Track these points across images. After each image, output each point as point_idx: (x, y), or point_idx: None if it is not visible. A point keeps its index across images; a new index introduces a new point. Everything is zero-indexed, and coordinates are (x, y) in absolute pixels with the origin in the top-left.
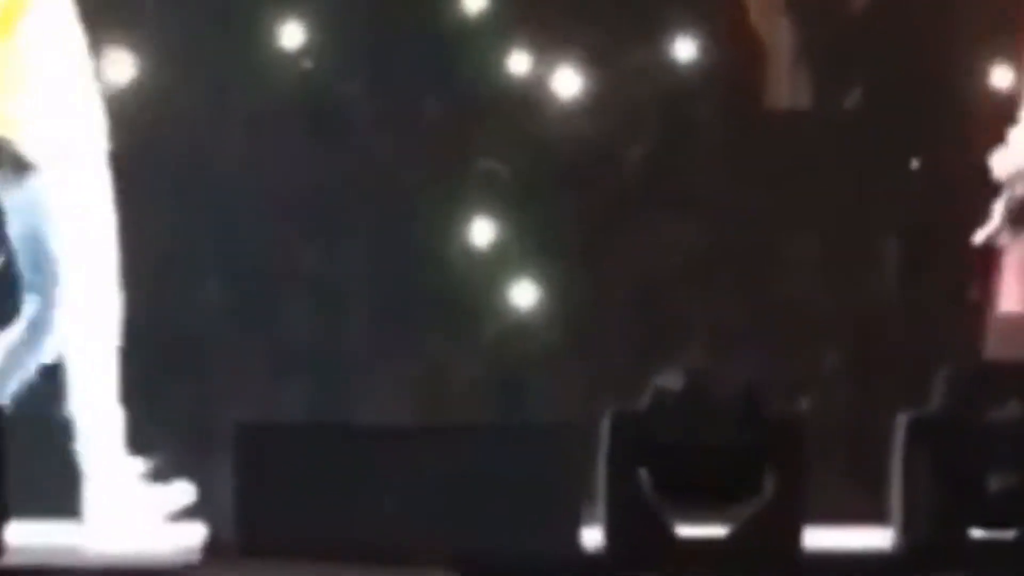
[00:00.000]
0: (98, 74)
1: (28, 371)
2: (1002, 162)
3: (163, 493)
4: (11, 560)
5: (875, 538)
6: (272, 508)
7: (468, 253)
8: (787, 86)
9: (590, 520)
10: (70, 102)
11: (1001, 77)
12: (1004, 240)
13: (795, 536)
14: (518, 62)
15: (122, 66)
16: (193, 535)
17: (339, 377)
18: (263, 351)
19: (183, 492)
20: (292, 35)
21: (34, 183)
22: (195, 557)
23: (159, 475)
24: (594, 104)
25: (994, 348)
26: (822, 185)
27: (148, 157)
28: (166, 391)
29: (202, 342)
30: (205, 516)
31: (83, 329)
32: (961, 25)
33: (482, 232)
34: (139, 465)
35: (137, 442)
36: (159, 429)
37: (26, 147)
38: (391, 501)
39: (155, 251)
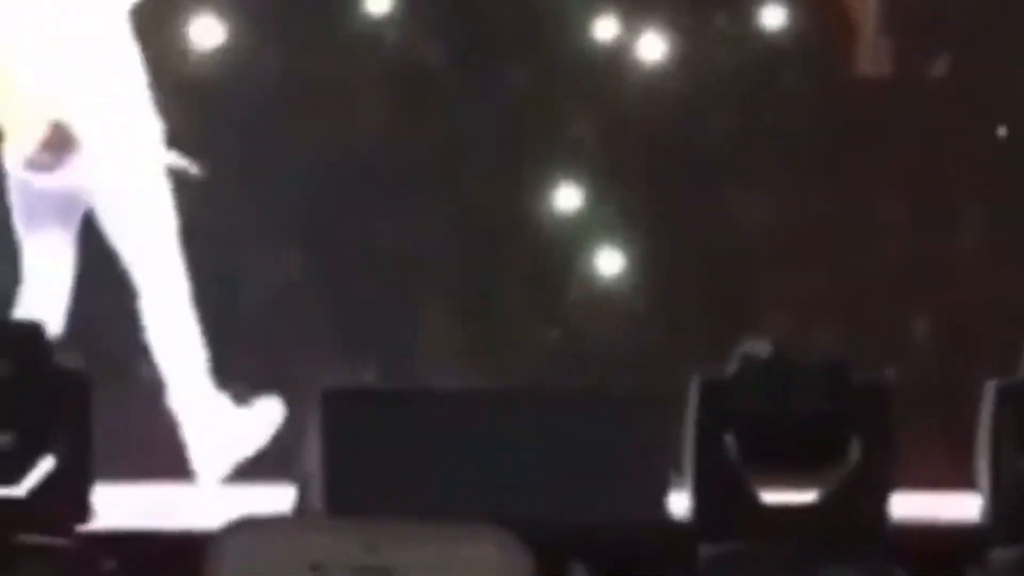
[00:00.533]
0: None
1: None
2: None
3: (254, 414)
4: (102, 523)
5: (964, 506)
6: (357, 472)
7: (553, 220)
8: (874, 53)
9: (677, 487)
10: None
11: None
12: None
13: (882, 503)
14: (604, 28)
15: (210, 33)
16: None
17: (423, 343)
18: (348, 319)
19: (272, 408)
20: (378, 1)
21: (84, 162)
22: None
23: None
24: (679, 71)
25: None
26: (910, 152)
27: (233, 125)
28: (252, 358)
29: (285, 310)
30: (293, 479)
31: (157, 301)
32: None
33: (568, 199)
34: (226, 400)
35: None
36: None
37: (77, 126)
38: (475, 466)
39: (239, 219)
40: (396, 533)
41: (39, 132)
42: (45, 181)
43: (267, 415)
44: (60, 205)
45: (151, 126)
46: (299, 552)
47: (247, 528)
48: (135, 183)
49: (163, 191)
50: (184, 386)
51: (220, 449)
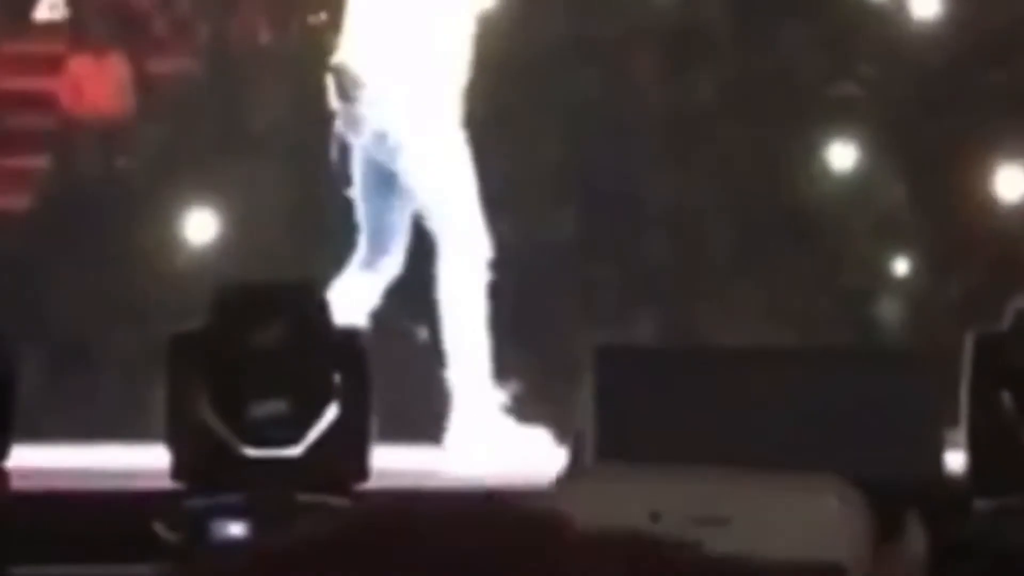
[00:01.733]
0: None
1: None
2: None
3: (522, 431)
4: (376, 484)
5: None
6: (629, 429)
7: (827, 177)
8: None
9: (952, 445)
10: (408, 36)
11: None
12: None
13: None
14: None
15: None
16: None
17: (695, 301)
18: (621, 276)
19: (539, 437)
20: None
21: (374, 106)
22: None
23: (518, 402)
24: (954, 27)
25: None
26: None
27: (504, 87)
28: (529, 319)
29: (562, 267)
30: (564, 440)
31: (455, 262)
32: None
33: (841, 156)
34: (501, 396)
35: (499, 372)
36: (521, 355)
37: (361, 70)
38: (748, 424)
39: (514, 182)
40: (734, 483)
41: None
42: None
43: (532, 439)
44: (382, 170)
45: (447, 85)
46: (639, 500)
47: (589, 476)
48: (434, 143)
49: (461, 151)
50: (465, 376)
51: (476, 441)
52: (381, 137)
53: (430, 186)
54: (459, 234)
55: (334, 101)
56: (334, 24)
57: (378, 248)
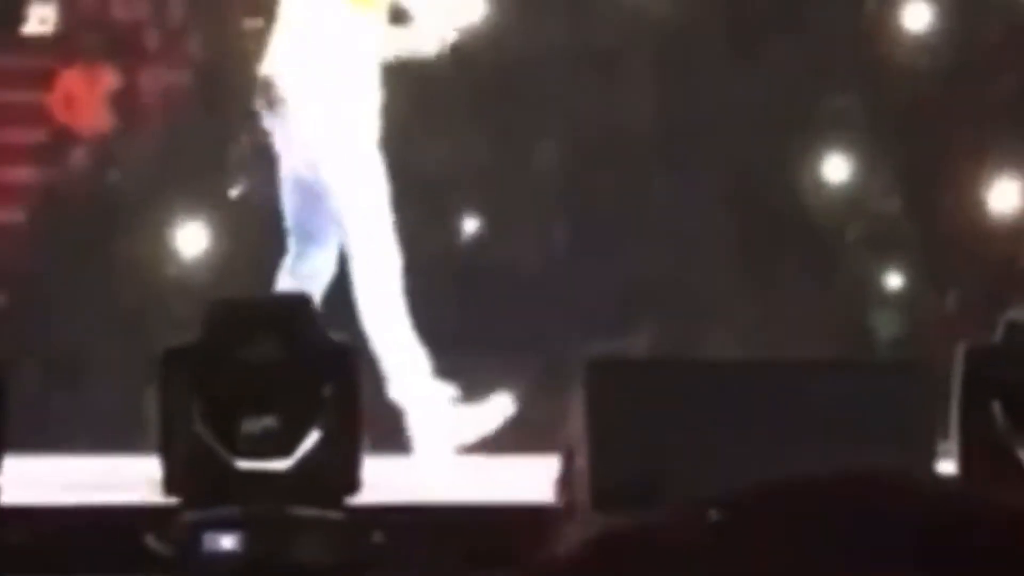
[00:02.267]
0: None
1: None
2: None
3: (481, 410)
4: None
5: None
6: (621, 441)
7: (819, 188)
8: None
9: (943, 455)
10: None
11: None
12: None
13: None
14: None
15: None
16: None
17: (689, 313)
18: (613, 287)
19: (502, 406)
20: None
21: (296, 119)
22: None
23: (475, 393)
24: (945, 37)
25: None
26: None
27: (498, 96)
28: (514, 329)
29: (554, 281)
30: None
31: (367, 269)
32: None
33: (835, 168)
34: (451, 389)
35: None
36: (508, 366)
37: (284, 84)
38: (739, 436)
39: (500, 186)
40: None
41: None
42: (288, 162)
43: (498, 410)
44: (306, 179)
45: (370, 99)
46: None
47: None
48: (352, 157)
49: (377, 167)
50: (406, 381)
51: (441, 438)
52: (303, 148)
53: (345, 201)
54: (371, 250)
55: (260, 108)
56: (266, 32)
57: (305, 255)
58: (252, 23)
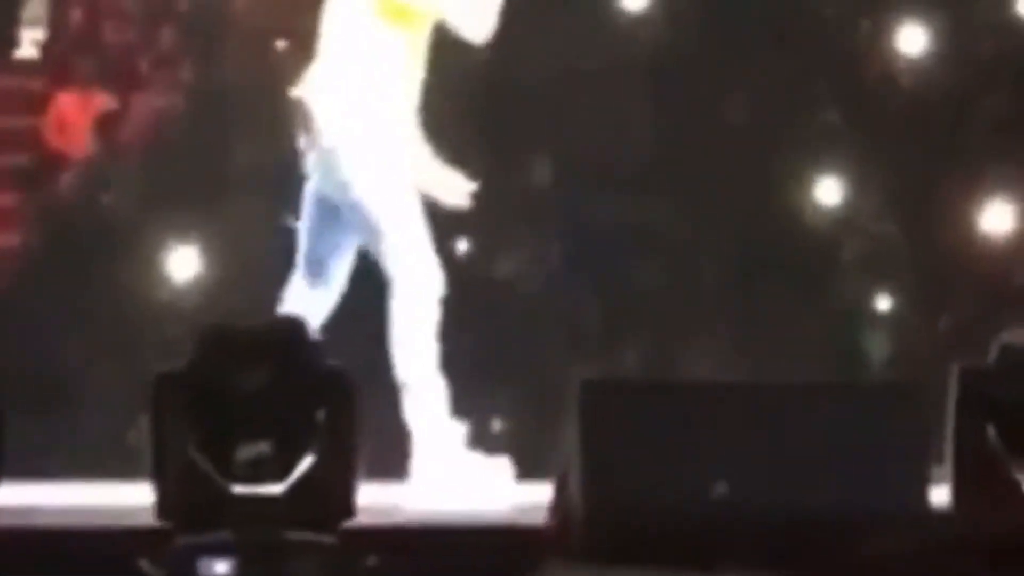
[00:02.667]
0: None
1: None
2: None
3: (486, 462)
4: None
5: None
6: (615, 462)
7: (811, 209)
8: None
9: (938, 478)
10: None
11: None
12: None
13: None
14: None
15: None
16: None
17: (681, 334)
18: (609, 309)
19: (504, 466)
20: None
21: (328, 146)
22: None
23: (502, 436)
24: (938, 59)
25: None
26: None
27: (497, 114)
28: (510, 352)
29: (546, 300)
30: (548, 471)
31: (404, 298)
32: None
33: (828, 191)
34: (463, 429)
35: (483, 406)
36: (503, 388)
37: (319, 106)
38: (733, 458)
39: (495, 211)
40: None
41: None
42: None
43: (498, 469)
44: (328, 202)
45: (404, 122)
46: None
47: None
48: (384, 179)
49: (411, 189)
50: (423, 413)
51: (441, 473)
52: (331, 170)
53: (378, 222)
54: (409, 271)
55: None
56: (299, 54)
57: (313, 281)
58: (281, 46)
